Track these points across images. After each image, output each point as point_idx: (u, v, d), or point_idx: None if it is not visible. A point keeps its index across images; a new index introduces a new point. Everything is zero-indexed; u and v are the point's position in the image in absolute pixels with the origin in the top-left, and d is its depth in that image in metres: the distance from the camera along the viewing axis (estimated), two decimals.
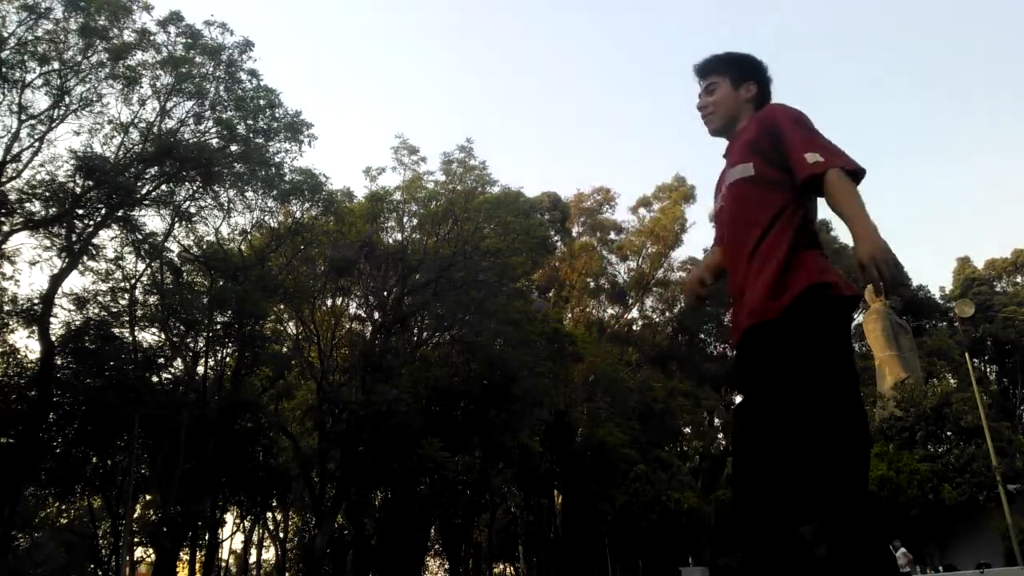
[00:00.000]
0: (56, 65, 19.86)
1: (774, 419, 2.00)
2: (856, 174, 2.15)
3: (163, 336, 23.50)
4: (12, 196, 19.39)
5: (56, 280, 20.33)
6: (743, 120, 2.52)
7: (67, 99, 20.29)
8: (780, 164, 2.25)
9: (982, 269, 53.05)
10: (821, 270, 2.15)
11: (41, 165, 20.28)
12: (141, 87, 21.45)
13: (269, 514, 35.17)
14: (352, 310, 30.86)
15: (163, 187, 22.23)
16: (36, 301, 20.99)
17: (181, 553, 24.75)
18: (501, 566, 46.89)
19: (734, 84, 2.55)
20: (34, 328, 20.90)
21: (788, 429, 1.96)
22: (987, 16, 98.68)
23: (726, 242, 2.43)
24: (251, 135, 22.80)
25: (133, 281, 23.02)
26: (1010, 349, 45.92)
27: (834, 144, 2.22)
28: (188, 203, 23.32)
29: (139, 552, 30.13)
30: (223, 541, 36.50)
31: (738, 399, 2.24)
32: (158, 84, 21.69)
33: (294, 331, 29.73)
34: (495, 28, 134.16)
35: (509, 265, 28.68)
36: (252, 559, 42.28)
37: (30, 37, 19.26)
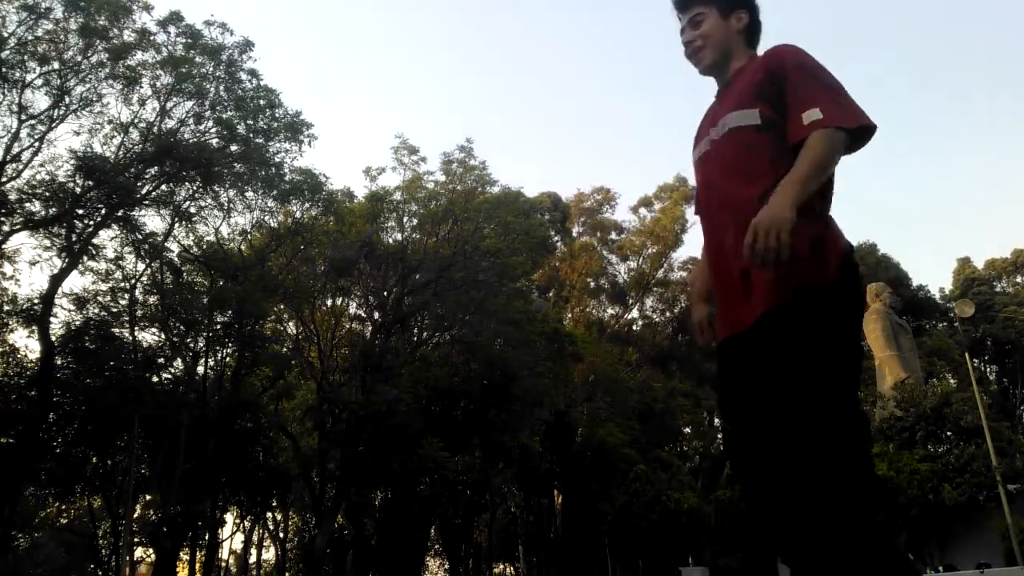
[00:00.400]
0: (56, 65, 19.86)
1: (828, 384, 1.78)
2: (863, 130, 1.91)
3: (163, 336, 23.51)
4: (12, 196, 19.40)
5: (56, 280, 20.34)
6: (738, 57, 2.25)
7: (67, 99, 20.30)
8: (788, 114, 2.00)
9: (982, 269, 53.06)
10: (839, 235, 1.94)
11: (41, 165, 20.32)
12: (141, 87, 21.49)
13: (269, 514, 35.17)
14: (352, 310, 30.91)
15: (163, 187, 22.24)
16: (36, 301, 21.00)
17: (181, 553, 24.75)
18: (501, 566, 46.89)
19: (723, 14, 2.24)
20: (34, 328, 20.90)
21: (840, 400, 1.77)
22: (987, 16, 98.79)
23: (715, 194, 2.14)
24: (251, 135, 22.81)
25: (133, 281, 23.04)
26: (1010, 349, 45.91)
27: (841, 95, 1.95)
28: (188, 203, 23.35)
29: (139, 552, 30.16)
30: (223, 541, 36.53)
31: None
32: (158, 84, 21.72)
33: (294, 331, 29.74)
34: (495, 28, 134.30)
35: (509, 265, 28.67)
36: (252, 559, 42.32)
37: (30, 37, 19.27)
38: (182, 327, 23.60)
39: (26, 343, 32.57)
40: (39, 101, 20.39)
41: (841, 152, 1.90)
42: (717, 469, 38.17)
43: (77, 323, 22.30)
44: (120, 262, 22.94)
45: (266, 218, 26.16)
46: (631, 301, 48.75)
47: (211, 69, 22.28)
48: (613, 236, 49.56)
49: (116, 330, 22.86)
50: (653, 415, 39.47)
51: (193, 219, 23.74)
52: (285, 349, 27.58)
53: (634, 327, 49.10)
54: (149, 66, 21.54)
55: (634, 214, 50.17)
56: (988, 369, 48.61)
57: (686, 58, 2.33)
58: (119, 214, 20.80)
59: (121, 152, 21.32)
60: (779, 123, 2.00)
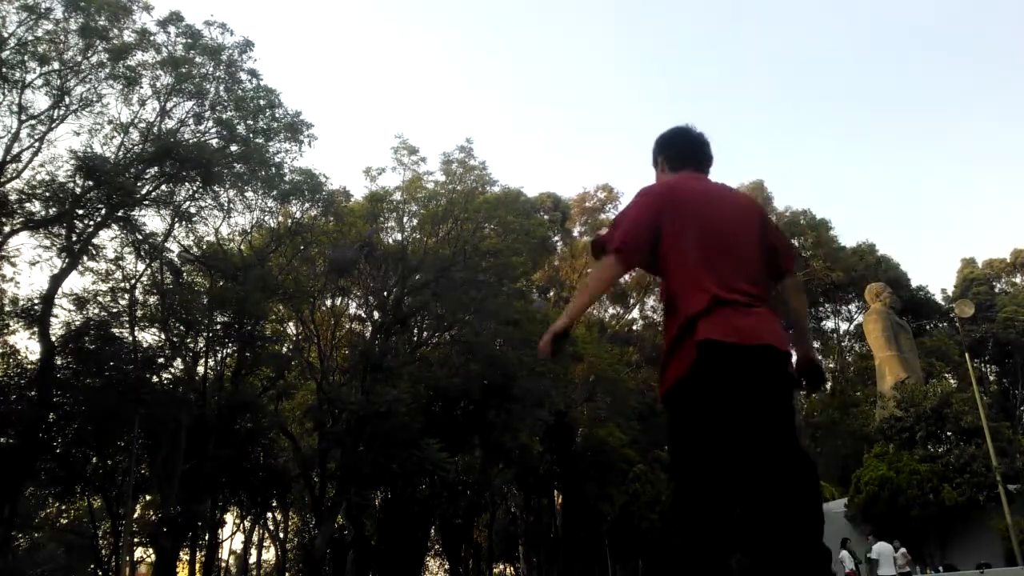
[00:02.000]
0: (56, 65, 19.89)
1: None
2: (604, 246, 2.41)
3: (163, 336, 23.50)
4: (12, 196, 19.42)
5: (56, 280, 20.34)
6: None
7: (67, 99, 20.33)
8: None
9: (981, 269, 53.05)
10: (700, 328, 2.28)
11: (41, 165, 20.36)
12: (141, 87, 21.54)
13: (269, 514, 35.18)
14: (352, 310, 30.94)
15: (163, 187, 22.26)
16: (36, 301, 21.01)
17: (181, 553, 24.74)
18: (501, 566, 46.91)
19: (655, 166, 2.82)
20: (34, 328, 20.91)
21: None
22: (986, 16, 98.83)
23: None
24: (251, 135, 22.83)
25: (133, 281, 23.04)
26: (1010, 349, 45.86)
27: (610, 228, 2.48)
28: (188, 203, 23.36)
29: (139, 552, 30.16)
30: (223, 541, 36.56)
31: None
32: (158, 84, 21.76)
33: (294, 331, 29.74)
34: (495, 28, 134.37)
35: (509, 265, 28.68)
36: (252, 559, 42.31)
37: (30, 37, 19.31)
38: (182, 327, 23.60)
39: (26, 343, 32.63)
40: (39, 101, 20.50)
41: (602, 268, 2.40)
42: None
43: (77, 323, 22.29)
44: (120, 262, 22.97)
45: (266, 218, 26.22)
46: (632, 301, 48.76)
47: (211, 69, 22.31)
48: None
49: (116, 330, 22.84)
50: (653, 415, 39.41)
51: (193, 219, 23.77)
52: (285, 349, 27.58)
53: (635, 327, 49.09)
54: (149, 66, 21.58)
55: None
56: (988, 369, 48.56)
57: None
58: (119, 214, 20.80)
59: (121, 152, 21.34)
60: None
